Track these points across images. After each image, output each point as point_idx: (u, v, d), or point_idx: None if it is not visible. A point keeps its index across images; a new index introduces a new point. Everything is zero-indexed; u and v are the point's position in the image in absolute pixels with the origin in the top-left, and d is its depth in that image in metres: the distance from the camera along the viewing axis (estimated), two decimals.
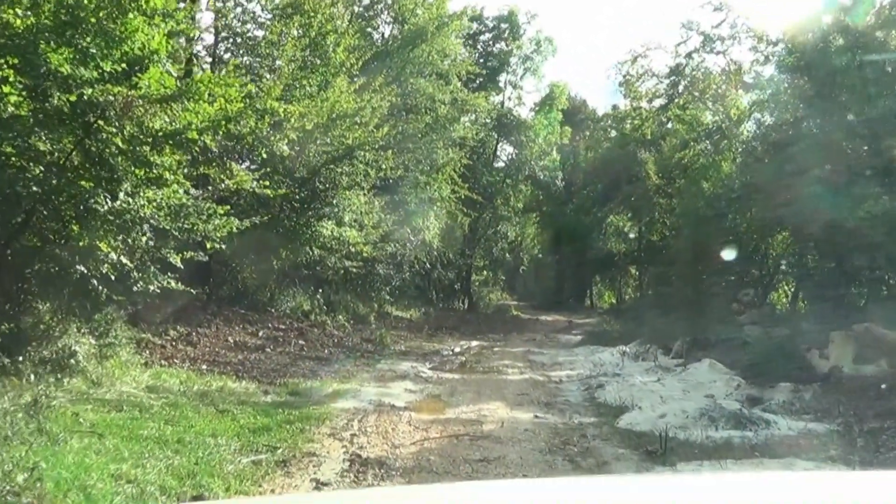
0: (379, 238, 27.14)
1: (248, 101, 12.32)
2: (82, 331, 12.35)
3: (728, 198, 27.90)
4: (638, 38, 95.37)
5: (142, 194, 11.01)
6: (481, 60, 41.91)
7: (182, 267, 13.18)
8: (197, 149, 11.82)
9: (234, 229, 13.37)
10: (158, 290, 12.62)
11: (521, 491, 3.29)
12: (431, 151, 31.83)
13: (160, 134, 10.66)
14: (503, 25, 44.78)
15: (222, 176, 13.17)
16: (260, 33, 22.26)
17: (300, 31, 21.84)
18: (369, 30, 32.81)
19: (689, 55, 34.13)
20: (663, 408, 12.54)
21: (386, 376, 15.96)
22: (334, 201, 22.62)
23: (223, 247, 13.91)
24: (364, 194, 24.65)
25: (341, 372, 16.05)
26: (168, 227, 11.76)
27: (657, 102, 38.92)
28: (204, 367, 15.03)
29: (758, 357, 16.29)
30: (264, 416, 10.65)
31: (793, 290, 29.11)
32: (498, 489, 3.57)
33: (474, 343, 25.42)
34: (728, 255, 27.73)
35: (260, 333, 19.91)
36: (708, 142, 33.22)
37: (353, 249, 23.60)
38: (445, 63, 34.10)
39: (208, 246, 13.35)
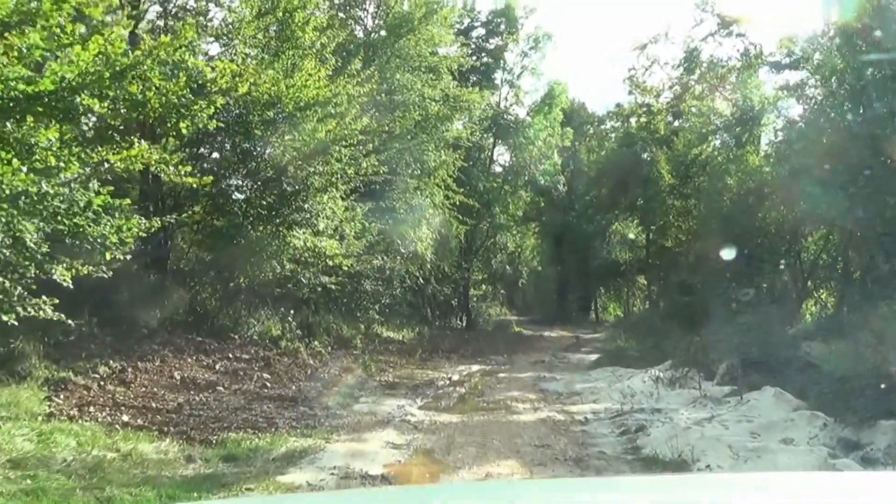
0: (363, 250, 23.72)
1: (152, 52, 8.80)
2: None
3: (759, 193, 24.53)
4: (637, 41, 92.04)
5: None
6: (475, 57, 38.41)
7: (71, 286, 9.68)
8: (87, 122, 8.35)
9: (141, 232, 9.89)
10: (16, 323, 9.02)
11: (522, 491, 3.34)
12: (422, 153, 28.45)
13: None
14: (498, 20, 41.33)
15: (110, 154, 9.38)
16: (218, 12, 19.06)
17: (264, 7, 18.59)
18: (350, 21, 29.52)
19: (704, 39, 30.71)
20: (744, 469, 9.06)
21: (363, 423, 12.41)
22: (306, 206, 19.18)
23: (127, 257, 10.39)
24: (343, 198, 21.22)
25: (306, 418, 12.47)
26: (23, 229, 8.23)
27: (667, 95, 35.58)
28: (126, 417, 11.51)
29: (836, 384, 12.74)
30: None
31: (835, 297, 25.60)
32: (498, 489, 3.74)
33: (475, 367, 22.01)
34: (756, 258, 24.67)
35: (217, 366, 16.39)
36: (728, 134, 29.79)
37: (330, 263, 20.21)
38: (435, 56, 30.70)
39: (107, 256, 9.80)
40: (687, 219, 32.58)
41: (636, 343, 27.17)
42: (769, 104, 28.03)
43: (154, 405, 12.58)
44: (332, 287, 21.40)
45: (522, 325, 42.80)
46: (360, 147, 20.69)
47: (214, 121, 11.04)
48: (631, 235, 49.82)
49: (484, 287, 48.01)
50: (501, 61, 41.70)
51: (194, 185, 11.33)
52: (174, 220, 12.76)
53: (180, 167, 10.25)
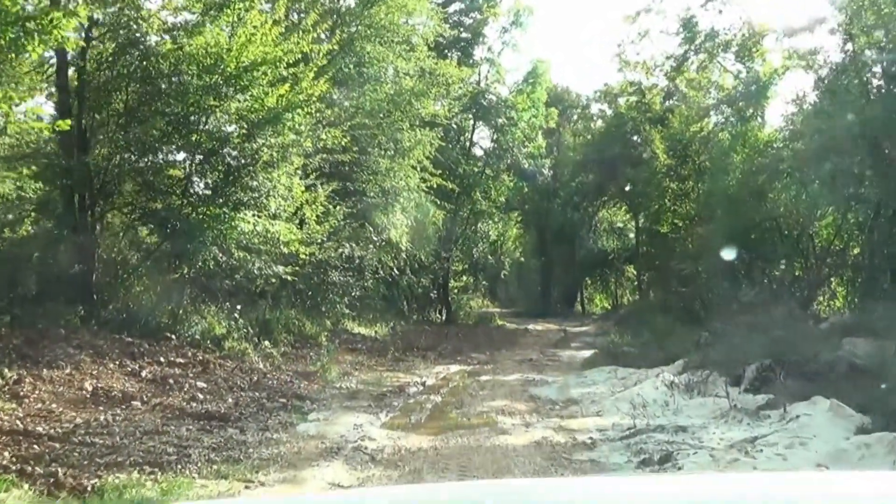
0: (327, 236, 21.05)
1: None
2: None
3: (770, 170, 21.97)
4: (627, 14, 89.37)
5: None
6: (453, 34, 35.79)
7: None
8: None
9: None
10: None
11: (522, 491, 3.25)
12: (395, 131, 25.74)
13: None
14: None
15: None
16: None
17: None
18: None
19: (704, 5, 28.15)
20: None
21: (305, 452, 9.52)
22: (254, 183, 16.44)
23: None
24: (301, 177, 18.56)
25: (231, 446, 9.59)
26: None
27: (663, 69, 33.03)
28: None
29: None
30: None
31: (855, 287, 23.05)
32: (498, 489, 3.54)
33: (454, 368, 19.33)
34: (766, 243, 22.32)
35: (143, 373, 13.55)
36: (731, 108, 27.20)
37: (285, 250, 17.52)
38: (409, 26, 27.97)
39: None
40: (685, 202, 30.00)
41: (631, 337, 24.72)
42: (778, 75, 25.52)
43: (39, 430, 9.74)
44: (289, 278, 18.66)
45: (506, 318, 40.28)
46: (320, 115, 17.92)
47: (75, 39, 8.22)
48: (619, 223, 47.63)
49: (465, 278, 45.49)
50: (481, 37, 39.01)
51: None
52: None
53: (31, 110, 7.43)
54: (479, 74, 39.22)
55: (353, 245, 24.05)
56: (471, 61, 38.04)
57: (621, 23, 33.60)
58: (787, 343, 14.55)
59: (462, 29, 37.87)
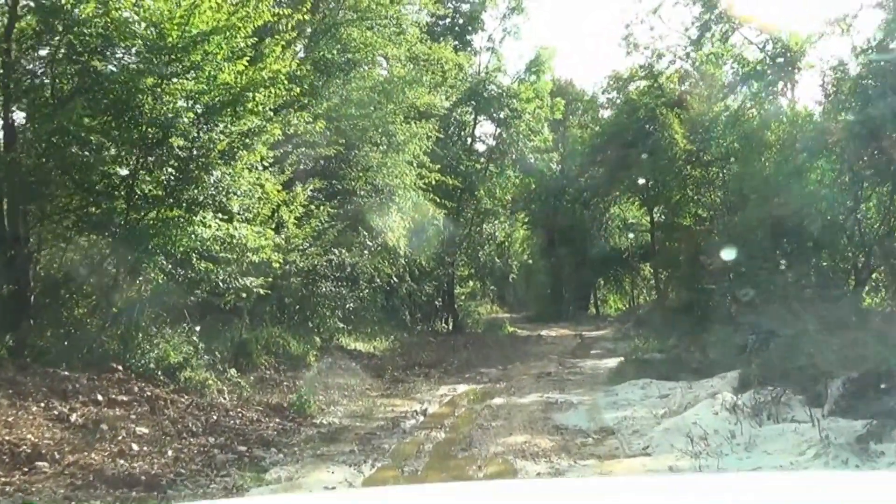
0: (310, 241, 18.40)
1: None
2: None
3: (814, 146, 19.31)
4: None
5: None
6: (447, 16, 33.42)
7: None
8: None
9: None
10: None
11: (522, 491, 3.32)
12: (387, 124, 23.12)
13: None
14: None
15: None
16: None
17: None
18: None
19: None
20: None
21: None
22: (210, 178, 13.69)
23: None
24: (271, 171, 15.84)
25: None
26: None
27: (680, 42, 30.44)
28: None
29: None
30: None
31: None
32: (498, 489, 3.57)
33: (461, 388, 16.73)
34: (808, 232, 19.65)
35: (73, 416, 10.74)
36: (759, 83, 24.53)
37: (255, 258, 14.80)
38: (398, 9, 25.37)
39: None
40: (710, 190, 27.24)
41: (657, 342, 22.15)
42: (811, 42, 22.86)
43: None
44: (261, 291, 15.94)
45: (516, 325, 38.01)
46: (289, 95, 15.12)
47: None
48: (632, 219, 45.19)
49: (471, 283, 43.10)
50: (479, 23, 36.57)
51: None
52: None
53: None
54: (479, 64, 37.03)
55: (344, 251, 21.36)
56: (469, 49, 35.70)
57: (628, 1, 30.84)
58: (866, 348, 11.81)
59: (458, 15, 35.52)
